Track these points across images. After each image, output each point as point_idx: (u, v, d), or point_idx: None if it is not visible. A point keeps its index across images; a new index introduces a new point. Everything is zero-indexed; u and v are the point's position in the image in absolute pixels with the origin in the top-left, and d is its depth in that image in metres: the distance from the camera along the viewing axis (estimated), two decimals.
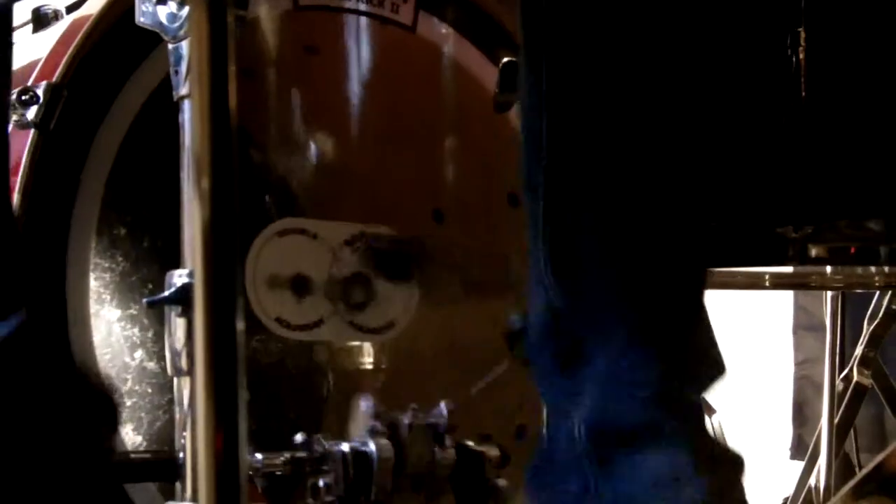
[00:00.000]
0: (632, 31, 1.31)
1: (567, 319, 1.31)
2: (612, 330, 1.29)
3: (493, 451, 1.62)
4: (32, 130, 1.63)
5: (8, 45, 1.43)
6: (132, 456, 1.59)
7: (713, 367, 1.34)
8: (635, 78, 1.31)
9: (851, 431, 2.34)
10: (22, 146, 1.63)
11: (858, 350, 2.33)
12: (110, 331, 1.67)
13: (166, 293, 1.32)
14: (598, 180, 1.30)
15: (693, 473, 1.27)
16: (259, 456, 1.50)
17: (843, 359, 2.35)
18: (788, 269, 2.09)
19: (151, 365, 1.68)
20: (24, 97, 1.63)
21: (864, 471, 1.89)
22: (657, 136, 1.31)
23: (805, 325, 2.94)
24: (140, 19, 1.34)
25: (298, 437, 1.55)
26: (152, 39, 1.44)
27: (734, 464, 1.35)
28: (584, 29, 1.31)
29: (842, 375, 2.34)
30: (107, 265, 1.68)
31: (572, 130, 1.31)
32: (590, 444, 1.28)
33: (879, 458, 1.93)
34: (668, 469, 1.26)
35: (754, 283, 2.18)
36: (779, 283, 2.18)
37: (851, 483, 1.77)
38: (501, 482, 1.61)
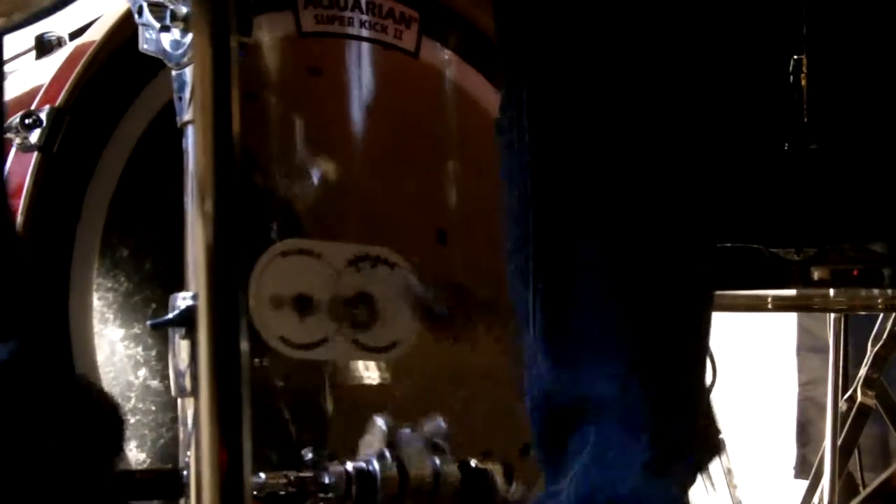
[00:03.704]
0: (626, 51, 1.30)
1: (558, 394, 1.30)
2: (602, 405, 1.27)
3: (496, 467, 1.62)
4: (36, 153, 1.63)
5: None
6: (137, 473, 1.59)
7: (707, 448, 1.35)
8: (626, 102, 1.29)
9: (855, 451, 2.34)
10: (25, 169, 1.63)
11: (862, 371, 2.33)
12: (114, 350, 1.68)
13: (170, 315, 1.32)
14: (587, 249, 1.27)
15: None
16: (262, 475, 1.50)
17: (847, 380, 2.35)
18: (791, 291, 2.09)
19: (155, 383, 1.68)
20: (27, 121, 1.63)
21: (868, 489, 1.90)
22: (650, 170, 1.29)
23: (809, 347, 2.94)
24: (143, 46, 1.33)
25: (302, 457, 1.55)
26: (154, 65, 1.44)
27: None
28: (571, 49, 1.29)
29: (846, 396, 2.34)
30: (110, 285, 1.68)
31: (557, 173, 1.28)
32: None
33: (883, 476, 1.94)
34: None
35: (757, 304, 2.17)
36: (781, 305, 2.17)
37: (855, 501, 1.78)
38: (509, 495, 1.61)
